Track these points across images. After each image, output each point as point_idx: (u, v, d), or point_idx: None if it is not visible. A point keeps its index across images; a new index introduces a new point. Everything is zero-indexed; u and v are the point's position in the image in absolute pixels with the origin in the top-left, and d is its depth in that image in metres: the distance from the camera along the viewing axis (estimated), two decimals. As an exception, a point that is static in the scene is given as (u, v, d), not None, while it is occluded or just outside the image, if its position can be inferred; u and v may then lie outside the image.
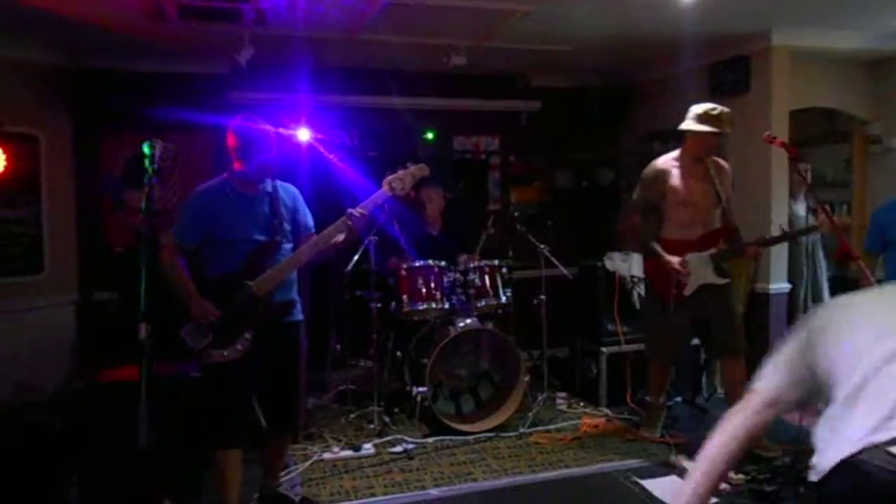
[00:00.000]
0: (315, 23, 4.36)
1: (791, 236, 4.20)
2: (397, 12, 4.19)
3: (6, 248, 4.66)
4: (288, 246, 3.06)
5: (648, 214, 4.01)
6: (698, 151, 3.87)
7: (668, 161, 3.98)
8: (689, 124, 3.82)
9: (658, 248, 3.92)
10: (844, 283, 4.92)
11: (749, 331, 4.24)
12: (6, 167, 4.55)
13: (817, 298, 4.89)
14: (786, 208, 4.83)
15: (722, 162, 4.02)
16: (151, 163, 2.33)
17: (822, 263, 4.91)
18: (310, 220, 3.20)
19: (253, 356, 2.92)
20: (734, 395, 3.95)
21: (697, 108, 3.83)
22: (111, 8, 4.05)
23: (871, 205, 5.50)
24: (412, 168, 3.25)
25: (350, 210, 3.02)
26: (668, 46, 5.15)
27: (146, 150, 2.33)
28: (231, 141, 2.97)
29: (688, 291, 3.87)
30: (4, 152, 4.54)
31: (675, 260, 3.84)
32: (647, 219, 4.01)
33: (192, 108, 4.88)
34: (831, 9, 4.30)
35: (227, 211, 2.94)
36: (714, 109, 3.80)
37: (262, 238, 2.95)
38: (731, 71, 5.02)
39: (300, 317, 3.17)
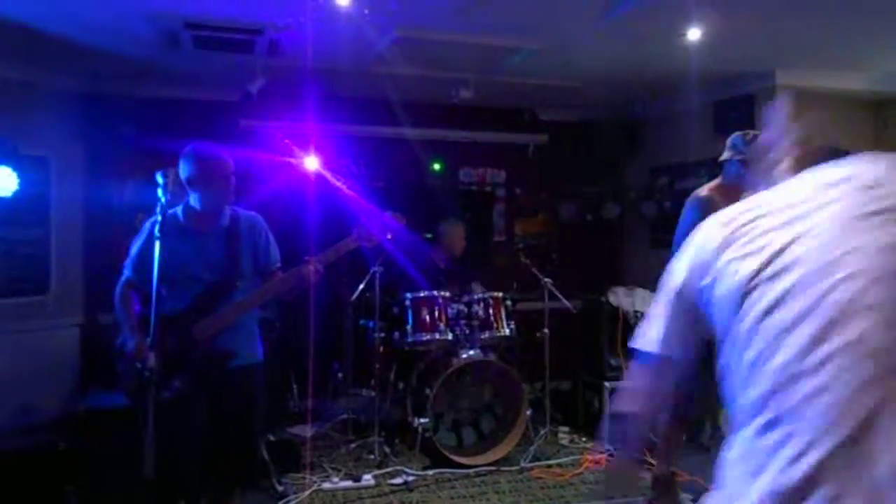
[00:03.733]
0: (326, 54, 4.43)
1: None
2: (407, 46, 4.26)
3: (14, 268, 4.69)
4: (243, 286, 2.80)
5: None
6: (750, 179, 3.45)
7: (712, 193, 3.59)
8: (748, 154, 3.48)
9: None
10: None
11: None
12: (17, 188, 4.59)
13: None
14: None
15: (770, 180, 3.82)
16: (164, 192, 2.34)
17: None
18: (274, 255, 2.94)
19: (193, 404, 2.62)
20: None
21: (747, 136, 3.54)
22: (127, 36, 4.12)
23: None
24: (381, 232, 3.05)
25: (309, 260, 2.79)
26: (675, 83, 5.22)
27: (159, 179, 2.35)
28: (184, 170, 2.71)
29: None
30: (15, 174, 4.59)
31: None
32: None
33: (202, 135, 4.93)
34: (835, 51, 4.36)
35: (177, 248, 2.64)
36: (753, 133, 3.55)
37: (213, 278, 2.68)
38: (736, 109, 5.08)
39: (256, 359, 2.88)
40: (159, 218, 2.32)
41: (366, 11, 3.68)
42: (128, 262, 2.76)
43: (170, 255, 2.56)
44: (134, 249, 2.75)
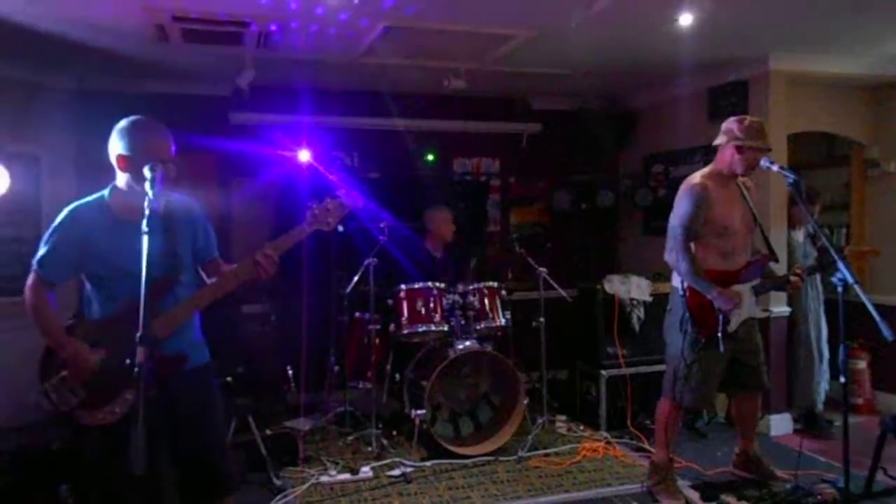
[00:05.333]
0: (316, 46, 4.40)
1: (822, 268, 3.98)
2: (397, 36, 4.23)
3: (6, 266, 4.66)
4: (186, 279, 2.50)
5: (689, 238, 3.55)
6: (744, 168, 3.52)
7: (705, 180, 3.55)
8: (744, 139, 3.48)
9: (708, 282, 3.45)
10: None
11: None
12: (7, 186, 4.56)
13: (816, 322, 4.88)
14: (784, 236, 4.83)
15: (748, 180, 3.72)
16: (152, 186, 2.26)
17: (820, 288, 4.90)
18: (212, 243, 2.64)
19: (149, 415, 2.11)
20: (748, 427, 3.90)
21: (743, 122, 3.51)
22: (115, 31, 4.09)
23: (870, 228, 5.52)
24: (330, 203, 2.61)
25: (261, 251, 2.47)
26: (667, 70, 5.20)
27: (147, 173, 2.27)
28: (117, 148, 2.39)
29: (732, 327, 3.52)
30: (7, 172, 4.55)
31: (732, 293, 3.47)
32: (688, 243, 3.55)
33: (193, 129, 4.91)
34: (829, 34, 4.34)
35: (106, 240, 2.36)
36: (758, 122, 3.55)
37: (152, 273, 2.16)
38: (730, 95, 5.06)
39: (206, 359, 2.60)
40: (147, 213, 2.19)
41: (355, 1, 3.65)
42: (41, 258, 2.38)
43: (101, 247, 2.35)
44: (49, 244, 2.38)
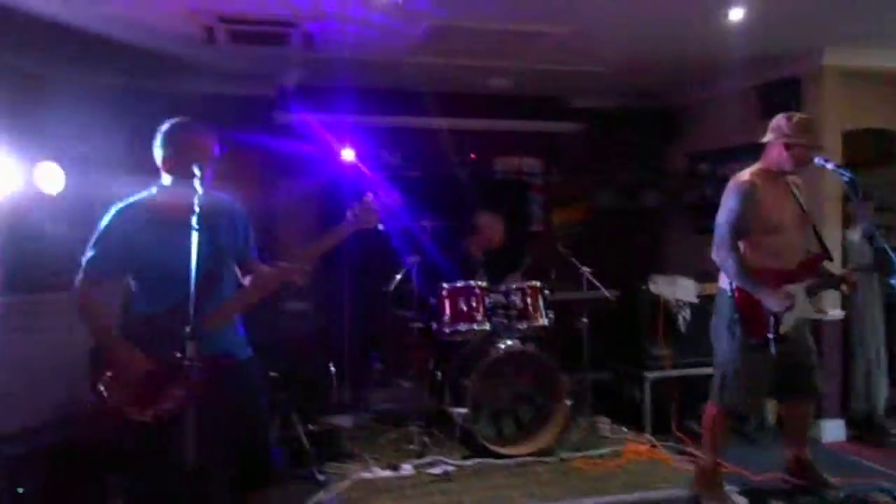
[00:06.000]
0: (360, 46, 4.43)
1: (879, 268, 3.83)
2: (440, 36, 4.23)
3: (59, 263, 4.80)
4: (228, 277, 2.53)
5: (738, 238, 3.45)
6: (793, 165, 3.44)
7: (754, 177, 3.46)
8: (792, 136, 3.40)
9: (756, 281, 3.37)
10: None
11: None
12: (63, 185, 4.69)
13: (874, 326, 4.71)
14: (839, 235, 4.68)
15: (797, 178, 3.61)
16: (201, 182, 2.31)
17: (878, 290, 4.73)
18: (251, 242, 2.66)
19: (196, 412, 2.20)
20: (800, 433, 3.78)
21: (791, 118, 3.44)
22: (164, 32, 4.18)
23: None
24: (370, 201, 2.60)
25: (296, 259, 2.51)
26: (715, 66, 5.08)
27: (196, 171, 2.31)
28: (161, 148, 2.47)
29: (784, 329, 3.37)
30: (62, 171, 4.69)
31: (783, 294, 3.35)
32: (737, 243, 3.45)
33: (238, 129, 5.00)
34: (885, 28, 4.19)
35: (150, 239, 2.39)
36: (807, 119, 3.47)
37: (198, 270, 2.19)
38: (782, 92, 4.92)
39: (248, 354, 2.61)
40: (197, 210, 2.23)
41: (399, 1, 3.66)
42: (89, 258, 2.41)
43: (147, 246, 2.37)
44: (95, 243, 2.42)
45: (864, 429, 4.73)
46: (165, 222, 2.41)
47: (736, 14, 3.83)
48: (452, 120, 5.80)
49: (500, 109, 5.92)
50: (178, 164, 2.42)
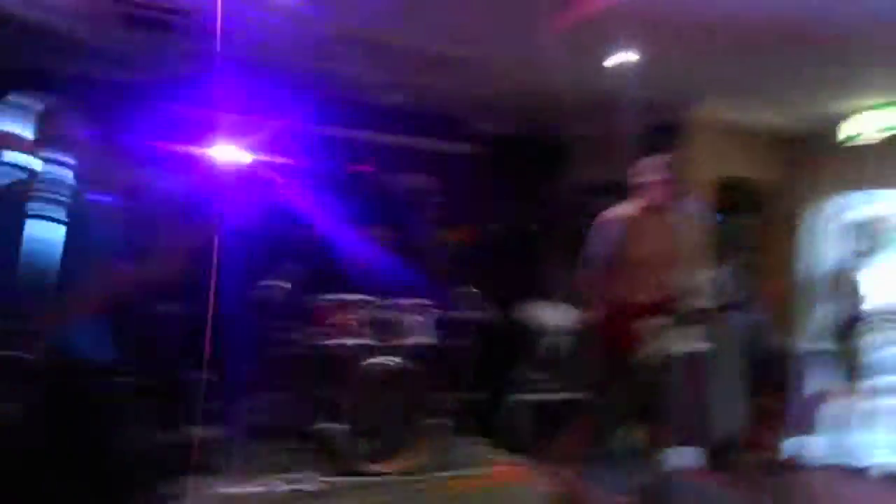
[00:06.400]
0: (255, 43, 4.30)
1: (742, 304, 4.09)
2: (338, 43, 4.18)
3: None
4: (87, 271, 2.32)
5: (606, 272, 3.65)
6: (664, 204, 3.67)
7: (626, 214, 3.70)
8: (665, 176, 3.64)
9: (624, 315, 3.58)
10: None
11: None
12: None
13: (733, 359, 5.03)
14: (704, 273, 4.97)
15: (670, 216, 3.77)
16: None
17: (739, 326, 5.05)
18: (118, 240, 2.46)
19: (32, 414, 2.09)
20: (655, 458, 3.95)
21: (664, 159, 3.70)
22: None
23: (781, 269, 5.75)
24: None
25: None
26: (605, 102, 5.31)
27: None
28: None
29: (646, 359, 3.61)
30: None
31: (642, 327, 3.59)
32: (603, 278, 3.66)
33: (125, 116, 4.74)
34: (757, 86, 4.56)
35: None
36: (679, 160, 3.74)
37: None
38: (660, 135, 5.22)
39: (105, 356, 2.42)
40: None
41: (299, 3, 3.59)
42: None
43: None
44: None
45: (718, 458, 5.02)
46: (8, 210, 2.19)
47: (624, 57, 4.04)
48: (350, 129, 5.73)
49: (397, 124, 5.91)
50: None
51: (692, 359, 4.94)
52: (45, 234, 2.11)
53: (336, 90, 5.38)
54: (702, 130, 5.07)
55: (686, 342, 4.85)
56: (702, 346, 4.97)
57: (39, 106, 2.30)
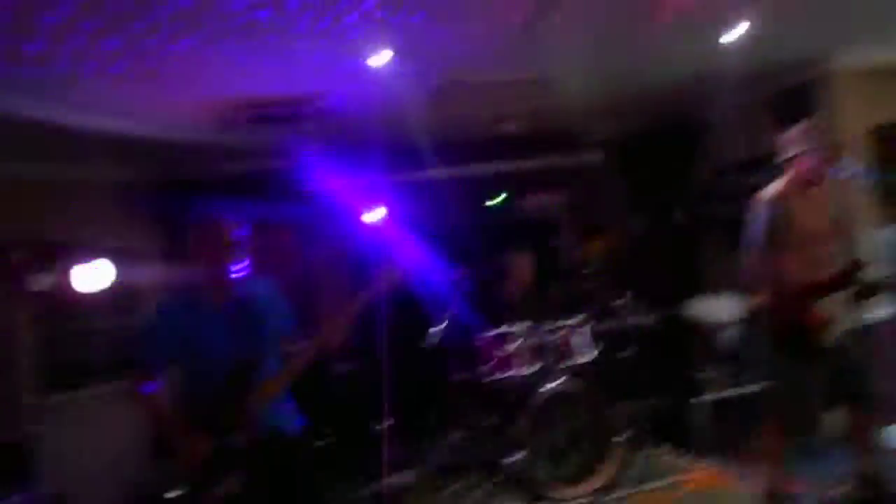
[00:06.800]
0: (372, 109, 4.57)
1: None
2: (447, 90, 4.35)
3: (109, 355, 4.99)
4: (273, 356, 2.60)
5: (771, 254, 3.45)
6: (815, 174, 3.45)
7: (781, 192, 3.50)
8: (808, 146, 3.42)
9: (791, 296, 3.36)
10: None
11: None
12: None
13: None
14: (874, 237, 4.57)
15: (826, 185, 3.54)
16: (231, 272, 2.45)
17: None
18: (290, 320, 2.73)
19: (250, 491, 2.39)
20: (861, 443, 3.65)
21: (804, 128, 3.49)
22: (178, 121, 4.38)
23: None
24: (387, 270, 2.79)
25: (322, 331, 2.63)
26: (728, 80, 5.08)
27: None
28: (189, 241, 2.56)
29: (826, 341, 3.37)
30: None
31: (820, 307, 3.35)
32: (770, 261, 3.46)
33: (269, 203, 5.17)
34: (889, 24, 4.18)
35: (194, 328, 2.49)
36: (821, 125, 3.52)
37: (239, 354, 2.44)
38: (794, 99, 4.90)
39: (296, 426, 2.68)
40: (230, 299, 2.37)
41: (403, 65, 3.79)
42: (139, 351, 2.56)
43: (187, 337, 2.45)
44: (144, 337, 2.59)
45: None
46: (205, 311, 2.53)
47: (741, 28, 3.87)
48: (471, 166, 5.88)
49: (516, 150, 5.98)
50: (205, 256, 2.53)
51: (882, 329, 4.53)
52: (242, 332, 2.41)
53: (457, 134, 5.55)
54: (845, 81, 4.69)
55: (871, 312, 4.47)
56: (889, 312, 4.55)
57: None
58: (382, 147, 5.66)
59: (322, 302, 5.30)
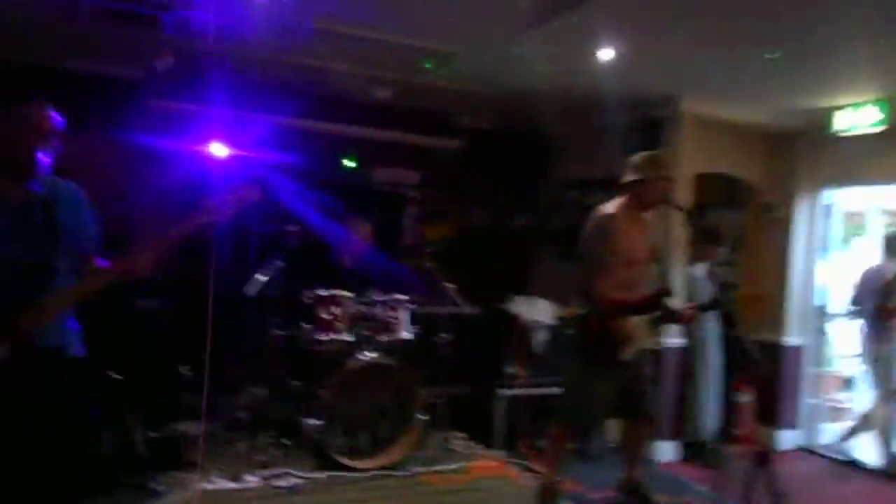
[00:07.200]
0: (239, 38, 4.28)
1: (720, 303, 4.11)
2: (324, 38, 4.17)
3: None
4: (64, 270, 2.33)
5: (596, 268, 3.62)
6: (649, 201, 3.69)
7: (612, 212, 3.68)
8: (648, 173, 3.63)
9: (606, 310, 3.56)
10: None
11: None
12: None
13: (708, 357, 5.08)
14: (684, 272, 5.01)
15: (651, 214, 3.81)
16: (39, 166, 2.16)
17: (717, 323, 5.11)
18: (91, 237, 2.43)
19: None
20: (632, 454, 3.99)
21: (647, 157, 3.71)
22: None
23: (761, 269, 5.80)
24: (229, 195, 2.53)
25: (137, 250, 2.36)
26: (589, 100, 5.32)
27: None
28: (3, 117, 2.23)
29: (625, 355, 3.61)
30: None
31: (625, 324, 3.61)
32: (592, 275, 3.62)
33: (105, 112, 4.70)
34: (736, 83, 4.58)
35: None
36: (662, 155, 3.77)
37: (29, 259, 2.18)
38: (644, 131, 5.24)
39: (78, 352, 2.42)
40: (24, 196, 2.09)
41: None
42: None
43: None
44: None
45: (696, 451, 5.08)
46: None
47: (606, 54, 4.05)
48: (334, 125, 5.73)
49: (382, 119, 5.90)
50: (8, 139, 2.20)
51: (672, 354, 5.00)
52: (33, 234, 2.15)
53: (321, 86, 5.36)
54: (685, 127, 5.10)
55: (666, 338, 4.92)
56: (682, 341, 5.02)
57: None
58: (242, 81, 5.34)
59: (138, 228, 4.91)
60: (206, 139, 4.61)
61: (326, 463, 4.19)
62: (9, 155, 2.20)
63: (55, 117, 2.27)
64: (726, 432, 4.86)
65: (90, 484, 2.46)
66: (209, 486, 3.81)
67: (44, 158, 2.20)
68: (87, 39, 4.55)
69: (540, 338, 4.98)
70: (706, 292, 5.07)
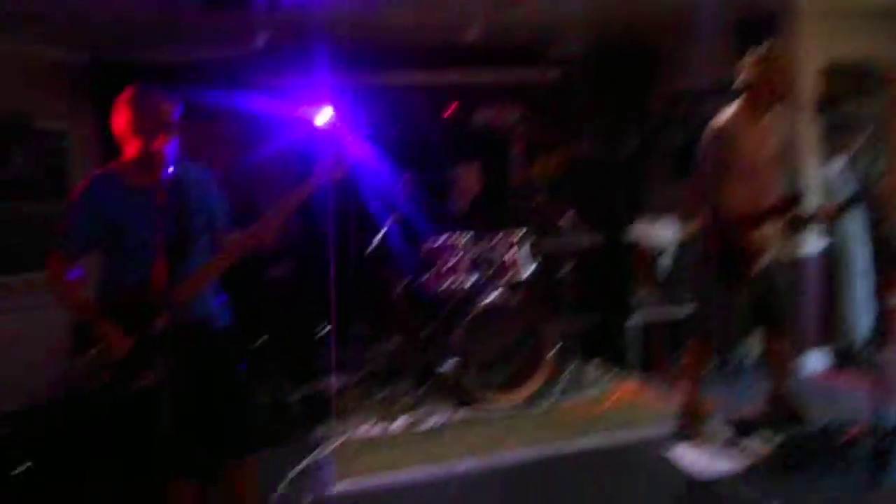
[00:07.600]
0: (327, 3, 4.34)
1: (861, 200, 3.81)
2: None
3: (33, 243, 4.77)
4: (202, 246, 2.52)
5: (716, 182, 3.49)
6: (769, 100, 3.46)
7: (731, 119, 3.49)
8: (765, 74, 3.40)
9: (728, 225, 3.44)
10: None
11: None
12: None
13: (853, 259, 4.74)
14: (818, 171, 4.67)
15: (775, 114, 3.54)
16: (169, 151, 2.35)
17: (862, 221, 4.73)
18: (223, 213, 2.64)
19: (173, 380, 2.29)
20: (778, 367, 3.83)
21: (762, 56, 3.45)
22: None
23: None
24: (334, 156, 2.62)
25: (259, 222, 2.52)
26: (689, 7, 4.99)
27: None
28: (122, 117, 2.38)
29: (759, 267, 3.47)
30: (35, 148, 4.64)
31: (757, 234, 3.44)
32: (715, 187, 3.49)
33: (210, 93, 4.92)
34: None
35: (120, 211, 2.35)
36: (779, 54, 3.47)
37: (171, 239, 2.34)
38: (756, 28, 4.85)
39: (226, 320, 2.63)
40: (168, 180, 2.28)
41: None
42: (62, 238, 2.40)
43: (112, 220, 2.34)
44: (66, 220, 2.40)
45: (846, 359, 4.81)
46: (133, 193, 2.38)
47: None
48: (426, 74, 5.72)
49: (476, 61, 5.82)
50: (140, 133, 2.36)
51: (815, 259, 4.70)
52: (172, 215, 2.34)
53: (412, 39, 5.35)
54: (805, 17, 4.66)
55: (806, 245, 4.63)
56: (820, 246, 4.71)
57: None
58: (334, 47, 5.43)
59: (260, 200, 5.18)
60: (311, 107, 4.74)
61: (467, 402, 4.33)
62: (139, 146, 2.38)
63: (177, 107, 2.44)
64: (878, 337, 4.57)
65: (252, 443, 2.67)
66: (358, 433, 4.03)
67: (172, 146, 2.38)
68: (189, 28, 4.78)
69: (666, 259, 4.83)
70: (846, 190, 4.71)
